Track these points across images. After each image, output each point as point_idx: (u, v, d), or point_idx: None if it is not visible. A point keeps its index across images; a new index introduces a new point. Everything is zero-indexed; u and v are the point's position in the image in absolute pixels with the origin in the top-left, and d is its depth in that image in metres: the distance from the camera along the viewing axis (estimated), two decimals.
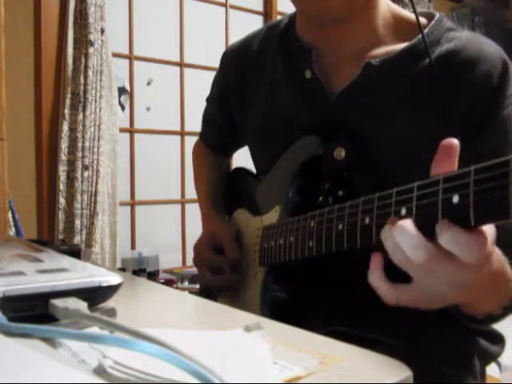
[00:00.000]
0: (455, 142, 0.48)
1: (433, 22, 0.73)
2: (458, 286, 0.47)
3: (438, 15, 0.74)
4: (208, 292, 0.95)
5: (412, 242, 0.45)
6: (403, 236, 0.46)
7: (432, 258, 0.45)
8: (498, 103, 0.69)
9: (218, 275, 0.87)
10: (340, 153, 0.71)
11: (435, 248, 0.45)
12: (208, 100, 1.04)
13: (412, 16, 0.76)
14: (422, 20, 0.75)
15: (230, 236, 0.87)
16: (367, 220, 0.54)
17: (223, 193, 1.01)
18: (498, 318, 0.61)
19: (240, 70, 0.90)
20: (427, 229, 0.46)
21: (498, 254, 0.50)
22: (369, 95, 0.72)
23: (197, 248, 0.91)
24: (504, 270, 0.52)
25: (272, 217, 0.80)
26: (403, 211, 0.49)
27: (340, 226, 0.59)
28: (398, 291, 0.50)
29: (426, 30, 0.71)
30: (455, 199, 0.43)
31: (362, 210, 0.56)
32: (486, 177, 0.41)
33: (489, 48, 0.71)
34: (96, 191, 2.29)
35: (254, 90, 0.87)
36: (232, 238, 0.86)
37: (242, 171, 1.00)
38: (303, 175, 0.76)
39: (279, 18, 0.83)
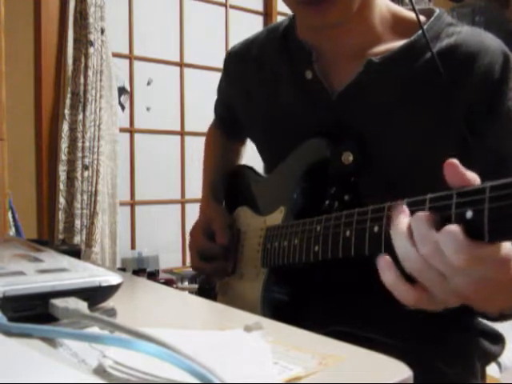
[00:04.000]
0: (455, 162, 0.46)
1: (432, 18, 0.73)
2: (479, 282, 0.45)
3: (437, 11, 0.74)
4: (204, 285, 0.96)
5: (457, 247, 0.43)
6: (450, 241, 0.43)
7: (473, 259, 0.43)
8: (501, 96, 0.69)
9: (208, 262, 0.89)
10: (348, 157, 0.71)
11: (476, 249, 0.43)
12: (217, 90, 1.05)
13: (410, 13, 0.76)
14: (421, 17, 0.75)
15: (222, 222, 0.89)
16: (376, 229, 0.54)
17: (226, 189, 1.02)
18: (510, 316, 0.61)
19: (241, 72, 0.91)
20: None
21: None
22: (370, 93, 0.72)
23: (192, 233, 0.94)
24: None
25: (276, 217, 0.79)
26: None
27: (348, 233, 0.58)
28: (417, 292, 0.47)
29: (425, 26, 0.71)
30: (469, 214, 0.43)
31: (371, 217, 0.55)
32: (503, 194, 0.40)
33: (489, 41, 0.71)
34: (96, 191, 2.29)
35: (255, 93, 0.87)
36: (223, 225, 0.89)
37: (245, 169, 1.00)
38: (310, 177, 0.76)
39: (279, 18, 0.83)
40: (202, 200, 1.02)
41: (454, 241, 0.43)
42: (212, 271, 0.91)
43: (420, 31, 0.71)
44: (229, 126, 1.05)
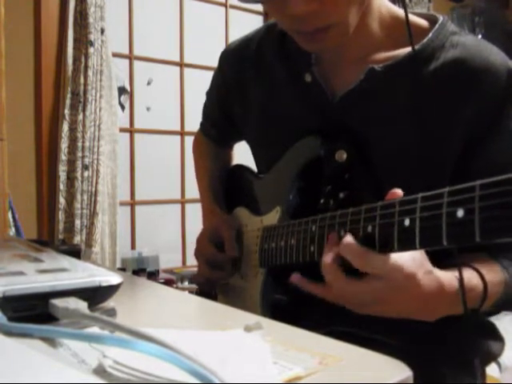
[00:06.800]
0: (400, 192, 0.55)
1: (437, 26, 0.72)
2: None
3: (441, 18, 0.73)
4: (205, 291, 0.96)
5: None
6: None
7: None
8: (503, 114, 0.69)
9: (216, 270, 0.88)
10: (341, 155, 0.71)
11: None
12: (207, 95, 1.04)
13: (413, 18, 0.75)
14: (424, 23, 0.74)
15: (232, 232, 0.87)
16: (369, 228, 0.54)
17: (223, 189, 1.01)
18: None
19: (238, 71, 0.90)
20: (431, 240, 0.46)
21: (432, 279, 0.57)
22: (371, 100, 0.72)
23: (199, 241, 0.92)
24: (443, 293, 0.58)
25: (272, 217, 0.79)
26: (407, 222, 0.49)
27: (342, 233, 0.59)
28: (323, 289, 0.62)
29: (430, 34, 0.71)
30: (460, 213, 0.43)
31: (365, 217, 0.55)
32: (492, 193, 0.41)
33: (495, 57, 0.70)
34: (96, 191, 2.29)
35: (252, 92, 0.87)
36: (233, 235, 0.87)
37: (242, 168, 1.00)
38: (304, 177, 0.76)
39: None
40: (204, 209, 1.00)
41: (350, 249, 0.56)
42: (220, 279, 0.90)
43: (424, 40, 0.70)
44: (220, 130, 1.03)
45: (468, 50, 0.70)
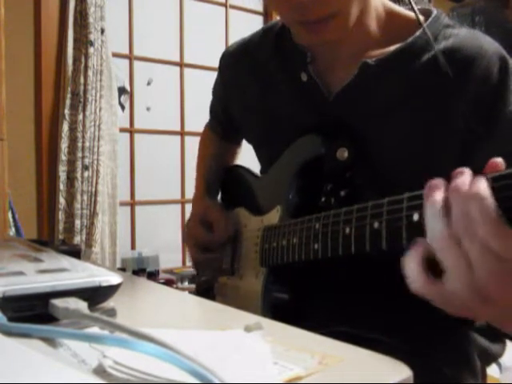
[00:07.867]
0: (500, 160, 0.44)
1: (430, 19, 0.72)
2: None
3: (435, 12, 0.74)
4: (203, 288, 0.96)
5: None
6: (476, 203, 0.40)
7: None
8: (501, 101, 0.69)
9: (207, 253, 0.89)
10: (343, 153, 0.71)
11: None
12: (213, 93, 1.05)
13: (407, 13, 0.75)
14: (420, 17, 0.75)
15: (221, 214, 0.89)
16: (376, 225, 0.54)
17: (222, 190, 1.02)
18: None
19: (235, 73, 0.91)
20: None
21: None
22: (367, 95, 0.72)
23: (188, 225, 0.93)
24: None
25: (273, 217, 0.79)
26: (415, 217, 0.49)
27: (347, 230, 0.58)
28: (435, 285, 0.44)
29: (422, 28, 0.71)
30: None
31: (371, 214, 0.55)
32: (504, 185, 0.40)
33: (487, 45, 0.70)
34: (96, 191, 2.29)
35: (251, 94, 0.87)
36: (222, 216, 0.89)
37: (241, 169, 1.00)
38: (305, 175, 0.76)
39: (278, 18, 0.83)
40: (194, 198, 1.02)
41: (480, 205, 0.40)
42: (210, 262, 0.91)
43: (417, 33, 0.71)
44: (225, 128, 1.04)
45: (460, 39, 0.70)
